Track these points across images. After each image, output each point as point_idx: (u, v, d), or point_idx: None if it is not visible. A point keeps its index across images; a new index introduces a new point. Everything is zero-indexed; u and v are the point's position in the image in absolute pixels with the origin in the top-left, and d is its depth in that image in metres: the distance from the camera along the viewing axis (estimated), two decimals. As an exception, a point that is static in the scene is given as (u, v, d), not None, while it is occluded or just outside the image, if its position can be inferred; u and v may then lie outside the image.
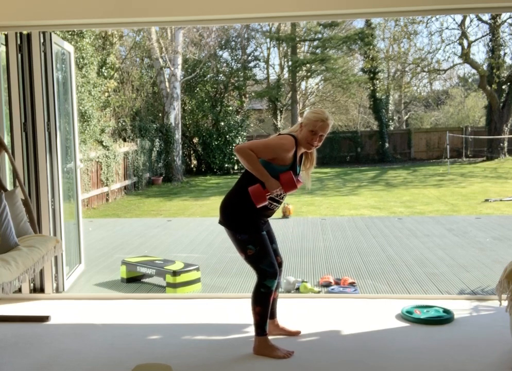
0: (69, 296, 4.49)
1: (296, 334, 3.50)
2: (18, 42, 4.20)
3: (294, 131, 3.21)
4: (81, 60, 12.18)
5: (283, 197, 3.21)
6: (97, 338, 3.52)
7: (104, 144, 12.81)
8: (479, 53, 42.76)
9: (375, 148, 23.28)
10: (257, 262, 3.15)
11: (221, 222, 3.26)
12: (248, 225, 3.15)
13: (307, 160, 3.31)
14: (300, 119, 3.26)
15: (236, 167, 19.50)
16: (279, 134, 3.23)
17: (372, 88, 23.37)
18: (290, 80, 23.74)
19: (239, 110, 21.90)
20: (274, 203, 3.20)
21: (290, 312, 3.96)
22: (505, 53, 21.28)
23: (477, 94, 29.58)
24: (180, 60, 17.54)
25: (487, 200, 11.30)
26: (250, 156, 3.03)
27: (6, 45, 4.19)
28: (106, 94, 14.28)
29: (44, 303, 4.28)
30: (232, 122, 19.76)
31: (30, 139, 4.30)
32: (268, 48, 25.04)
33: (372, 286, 4.72)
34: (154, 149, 16.55)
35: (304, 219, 8.99)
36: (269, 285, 3.15)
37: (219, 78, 21.42)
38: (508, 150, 21.80)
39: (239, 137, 19.56)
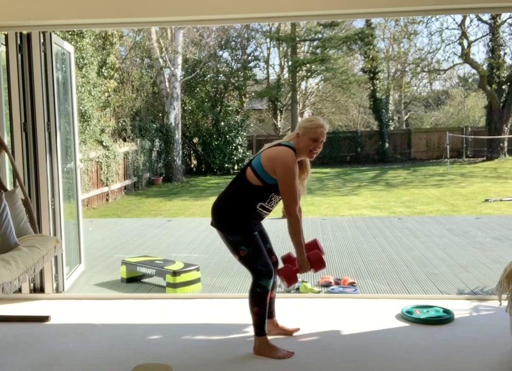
0: (69, 296, 4.49)
1: (295, 330, 3.51)
2: (18, 42, 4.19)
3: (290, 140, 3.18)
4: (81, 60, 12.19)
5: (273, 206, 3.22)
6: (97, 338, 3.52)
7: (104, 144, 12.81)
8: (479, 53, 42.86)
9: (375, 148, 23.28)
10: (251, 262, 3.16)
11: (213, 224, 3.26)
12: (239, 226, 3.16)
13: (301, 171, 3.28)
14: (300, 120, 3.26)
15: (236, 167, 19.50)
16: (279, 144, 3.18)
17: (372, 88, 23.37)
18: (290, 80, 23.72)
19: (239, 110, 21.89)
20: (264, 211, 3.23)
21: (290, 312, 3.96)
22: (505, 53, 21.28)
23: (477, 94, 29.58)
24: (180, 60, 17.54)
25: (487, 200, 11.30)
26: (297, 223, 3.17)
27: (6, 45, 4.19)
28: (106, 94, 14.28)
29: (44, 303, 4.28)
30: (232, 122, 19.75)
31: (30, 139, 4.29)
32: (268, 48, 25.05)
33: (372, 286, 4.72)
34: (154, 149, 16.55)
35: (304, 219, 8.95)
36: (265, 284, 3.14)
37: (219, 78, 21.41)
38: (508, 150, 21.80)
39: (239, 137, 19.55)
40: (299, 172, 3.26)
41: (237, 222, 3.16)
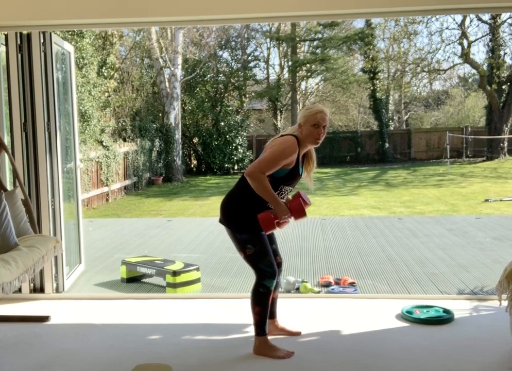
0: (69, 296, 4.49)
1: (296, 334, 3.50)
2: (18, 42, 4.20)
3: (294, 132, 3.21)
4: (81, 60, 12.19)
5: (283, 197, 3.22)
6: (97, 338, 3.52)
7: (104, 144, 12.81)
8: (479, 53, 42.86)
9: (375, 148, 23.28)
10: (256, 261, 3.16)
11: (221, 221, 3.26)
12: (247, 225, 3.15)
13: (307, 162, 3.30)
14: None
15: (236, 167, 19.51)
16: (281, 135, 3.21)
17: (372, 88, 23.37)
18: (290, 80, 23.74)
19: (239, 110, 21.89)
20: None
21: (290, 311, 3.96)
22: (505, 53, 21.29)
23: (477, 94, 29.58)
24: (180, 60, 17.54)
25: (487, 200, 11.30)
26: (261, 181, 2.99)
27: (6, 45, 4.19)
28: (106, 94, 14.28)
29: (44, 303, 4.28)
30: (232, 122, 19.75)
31: (30, 139, 4.30)
32: (268, 48, 25.07)
33: (372, 286, 4.72)
34: (154, 149, 16.55)
35: (304, 219, 8.97)
36: (268, 285, 3.15)
37: (219, 78, 21.41)
38: (508, 150, 21.81)
39: (239, 137, 19.56)
40: (305, 164, 3.28)
41: (246, 220, 3.15)
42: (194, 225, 8.43)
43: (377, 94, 23.24)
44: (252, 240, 3.14)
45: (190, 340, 3.46)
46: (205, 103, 20.08)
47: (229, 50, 22.44)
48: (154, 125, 16.83)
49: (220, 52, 22.11)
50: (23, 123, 4.27)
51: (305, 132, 3.13)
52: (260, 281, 3.15)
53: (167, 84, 17.56)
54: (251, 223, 3.15)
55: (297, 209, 3.10)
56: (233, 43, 22.54)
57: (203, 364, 3.10)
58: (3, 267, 3.01)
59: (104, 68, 14.07)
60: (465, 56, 21.46)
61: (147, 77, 17.63)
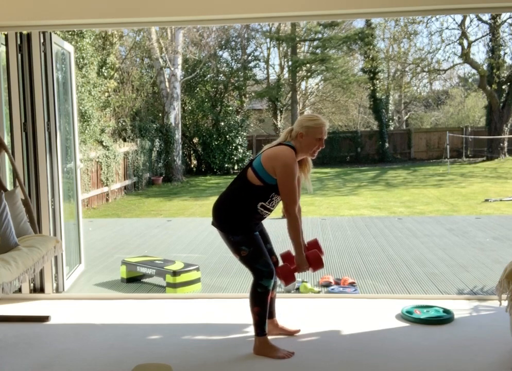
0: (69, 296, 4.49)
1: (295, 332, 3.50)
2: (18, 42, 4.20)
3: (288, 140, 3.18)
4: (81, 60, 12.19)
5: (274, 206, 3.22)
6: (97, 338, 3.52)
7: (104, 144, 12.81)
8: (479, 53, 42.90)
9: (375, 148, 23.28)
10: (252, 262, 3.15)
11: (214, 224, 3.26)
12: (240, 226, 3.15)
13: (304, 166, 3.29)
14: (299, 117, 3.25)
15: (236, 167, 19.51)
16: (280, 143, 3.19)
17: (372, 88, 23.37)
18: (290, 80, 23.73)
19: (239, 110, 21.89)
20: (265, 211, 3.22)
21: (290, 311, 3.96)
22: (505, 53, 21.29)
23: (477, 94, 29.58)
24: (180, 60, 17.54)
25: (487, 200, 11.30)
26: (296, 223, 3.12)
27: (6, 45, 4.19)
28: (106, 94, 14.28)
29: (44, 303, 4.28)
30: (232, 122, 19.75)
31: (30, 139, 4.29)
32: (268, 48, 25.04)
33: (372, 286, 4.72)
34: (154, 149, 16.55)
35: (304, 219, 8.95)
36: (266, 284, 3.14)
37: (219, 78, 21.41)
38: (508, 150, 21.81)
39: (239, 137, 19.56)
40: (301, 168, 3.27)
41: (238, 222, 3.16)
42: (194, 225, 8.43)
43: (377, 94, 23.25)
44: (245, 241, 3.13)
45: (190, 340, 3.46)
46: (205, 103, 20.08)
47: (229, 50, 22.44)
48: (154, 125, 16.83)
49: (220, 52, 22.13)
50: (23, 123, 4.27)
51: (306, 143, 3.12)
52: (258, 281, 3.15)
53: (167, 84, 17.56)
54: (243, 225, 3.15)
55: (316, 261, 3.19)
56: (233, 43, 22.54)
57: (203, 364, 3.11)
58: (3, 267, 3.01)
59: (104, 68, 14.07)
60: (465, 56, 21.46)
61: (147, 77, 17.62)
